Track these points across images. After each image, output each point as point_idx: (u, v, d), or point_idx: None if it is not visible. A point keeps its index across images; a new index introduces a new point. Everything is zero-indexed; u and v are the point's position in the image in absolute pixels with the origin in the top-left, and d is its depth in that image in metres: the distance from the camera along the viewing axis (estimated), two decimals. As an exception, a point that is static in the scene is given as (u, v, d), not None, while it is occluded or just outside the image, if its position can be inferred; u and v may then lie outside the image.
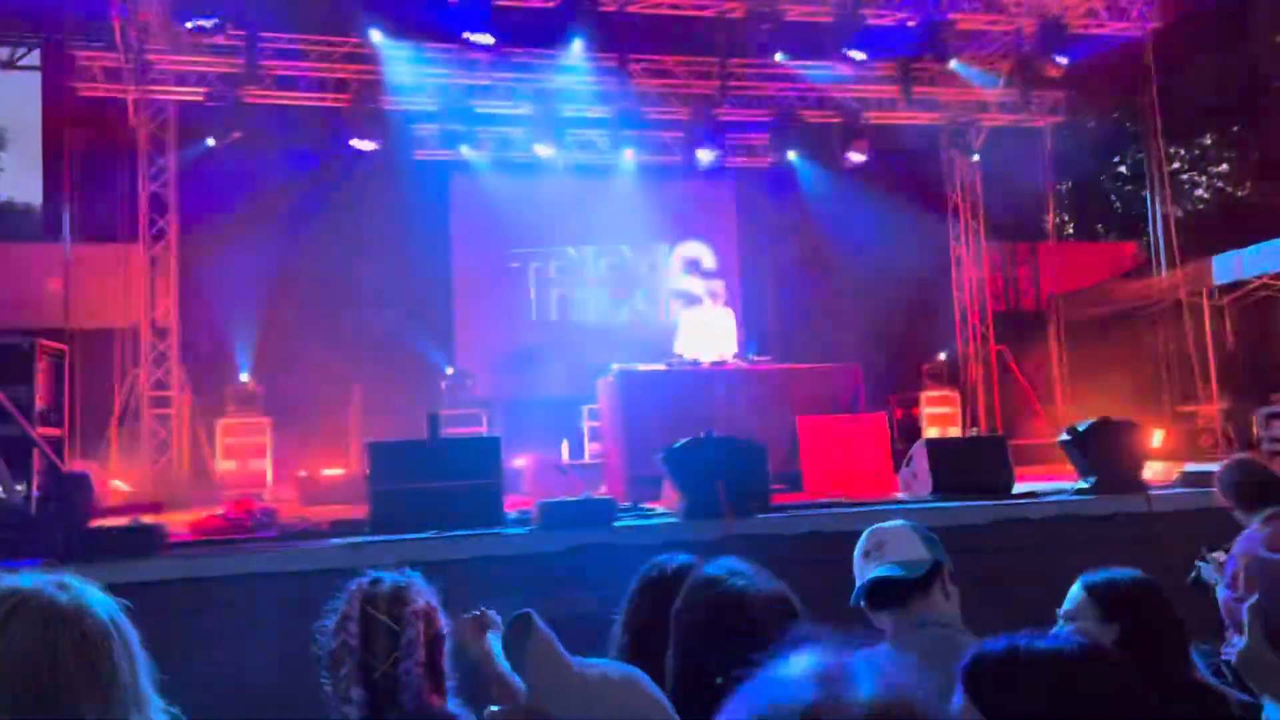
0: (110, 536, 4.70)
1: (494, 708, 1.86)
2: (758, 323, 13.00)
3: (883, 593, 2.17)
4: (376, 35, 10.69)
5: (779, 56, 11.78)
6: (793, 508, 5.98)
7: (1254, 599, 1.69)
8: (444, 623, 2.08)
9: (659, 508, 6.27)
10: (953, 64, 12.50)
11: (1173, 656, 2.12)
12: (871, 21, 11.52)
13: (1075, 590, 2.27)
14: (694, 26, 12.07)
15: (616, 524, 5.42)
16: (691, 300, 8.73)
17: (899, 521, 2.33)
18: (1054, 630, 2.17)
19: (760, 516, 5.48)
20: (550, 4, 11.06)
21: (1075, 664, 1.30)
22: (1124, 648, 2.02)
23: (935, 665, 2.08)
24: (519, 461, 9.82)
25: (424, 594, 2.08)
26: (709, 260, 14.08)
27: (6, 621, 1.39)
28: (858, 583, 2.24)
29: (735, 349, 8.88)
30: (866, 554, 2.25)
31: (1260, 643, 1.66)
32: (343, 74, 11.78)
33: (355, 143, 11.52)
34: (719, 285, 9.02)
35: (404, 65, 11.54)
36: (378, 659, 1.95)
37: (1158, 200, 13.92)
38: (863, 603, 2.22)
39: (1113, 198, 20.66)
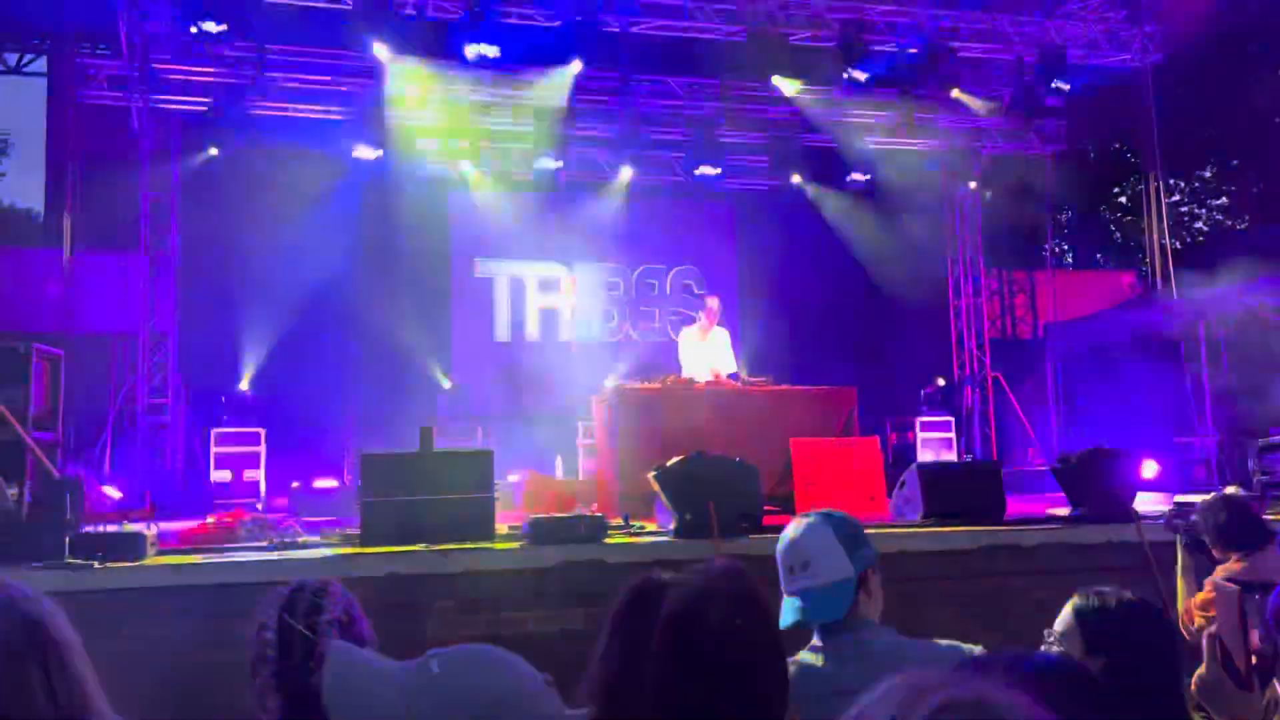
0: (100, 542, 4.69)
1: None
2: (754, 344, 13.02)
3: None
4: (380, 50, 10.75)
5: (776, 80, 11.84)
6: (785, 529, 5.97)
7: (1211, 628, 1.70)
8: (366, 632, 2.06)
9: (650, 526, 6.27)
10: (954, 92, 12.59)
11: (1163, 688, 2.06)
12: (873, 48, 11.60)
13: (1066, 612, 2.18)
14: (696, 48, 12.15)
15: (606, 541, 5.42)
16: (687, 320, 8.75)
17: (818, 525, 2.29)
18: (1040, 650, 2.16)
19: (751, 537, 5.47)
20: (553, 24, 11.14)
21: (1055, 682, 1.29)
22: (1111, 678, 2.00)
23: (865, 670, 2.09)
24: (513, 477, 9.81)
25: (342, 603, 2.06)
26: (706, 280, 14.12)
27: None
28: (785, 586, 2.24)
29: (733, 368, 8.89)
30: (791, 569, 2.24)
31: (1216, 670, 1.67)
32: (347, 87, 11.84)
33: (358, 151, 11.57)
34: (715, 304, 9.01)
35: (407, 81, 11.61)
36: (294, 668, 1.93)
37: (1156, 231, 13.99)
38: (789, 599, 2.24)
39: (1111, 228, 20.77)
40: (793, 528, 2.31)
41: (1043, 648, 2.17)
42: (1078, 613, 2.14)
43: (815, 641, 2.24)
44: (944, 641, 2.28)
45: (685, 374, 8.72)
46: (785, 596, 2.23)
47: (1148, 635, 2.10)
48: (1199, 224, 21.88)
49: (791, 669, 2.16)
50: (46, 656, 1.42)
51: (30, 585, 1.54)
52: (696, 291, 13.90)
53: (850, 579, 2.21)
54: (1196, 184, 21.73)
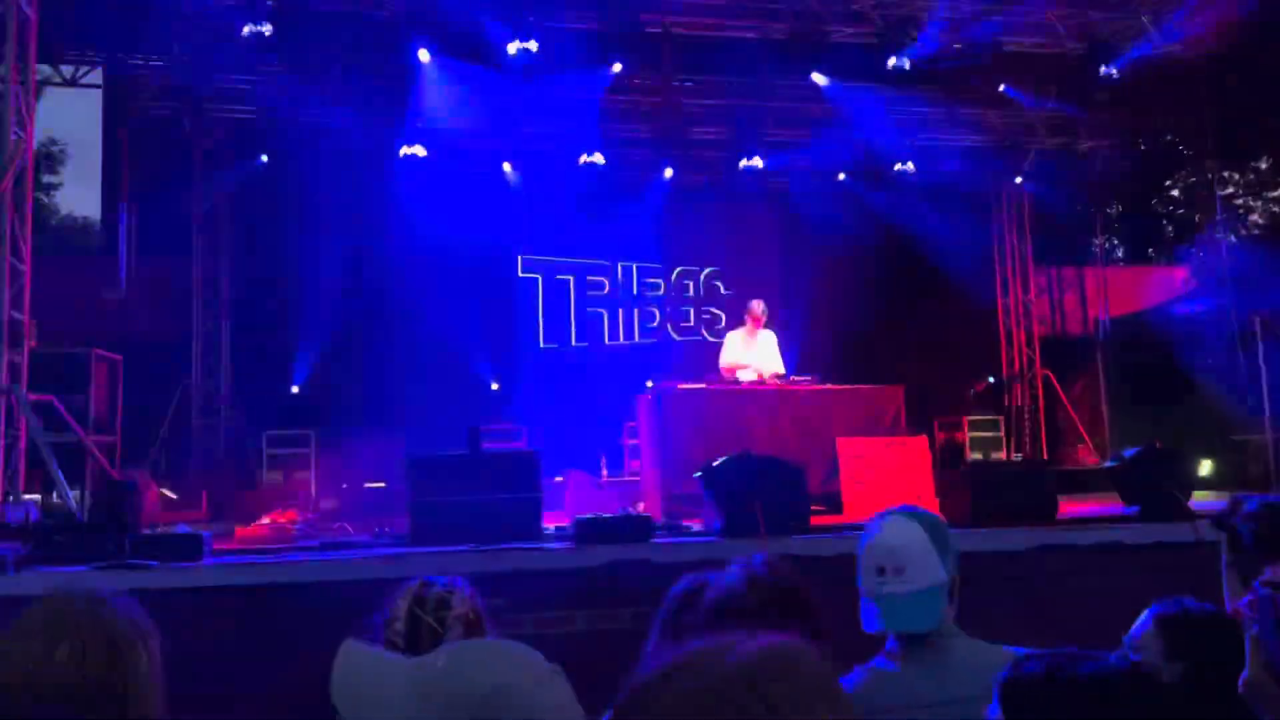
0: (158, 544, 4.80)
1: None
2: (799, 343, 12.95)
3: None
4: (424, 54, 10.87)
5: (819, 77, 11.76)
6: (831, 529, 5.95)
7: (1254, 630, 1.67)
8: (489, 631, 2.13)
9: (696, 526, 6.27)
10: (1000, 86, 12.42)
11: (1235, 694, 2.04)
12: (917, 44, 11.49)
13: (1144, 619, 2.16)
14: (737, 47, 12.11)
15: (653, 540, 5.43)
16: (729, 320, 8.76)
17: (911, 525, 2.20)
18: (1109, 655, 2.13)
19: (798, 537, 5.46)
20: (596, 25, 11.17)
21: (1118, 688, 1.28)
22: (1188, 686, 1.97)
23: (945, 681, 2.06)
24: (559, 477, 9.87)
25: (469, 601, 2.15)
26: (749, 279, 14.08)
27: (41, 631, 1.46)
28: (866, 592, 2.15)
29: (781, 369, 8.85)
30: (881, 571, 2.14)
31: (1260, 672, 1.64)
32: (392, 90, 11.95)
33: (404, 153, 11.72)
34: (760, 307, 8.97)
35: (450, 82, 11.71)
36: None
37: (1210, 225, 13.70)
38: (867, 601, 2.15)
39: (1164, 221, 20.36)
40: (884, 527, 2.21)
41: (1115, 655, 2.14)
42: (1159, 620, 2.11)
43: (891, 647, 2.15)
44: (1018, 648, 2.24)
45: (725, 368, 8.71)
46: (869, 599, 2.14)
47: (1224, 643, 2.07)
48: (1254, 216, 21.37)
49: (866, 677, 2.13)
50: (125, 680, 1.46)
51: (121, 596, 1.59)
52: (736, 291, 13.88)
53: (944, 584, 2.13)
54: (1252, 175, 21.22)
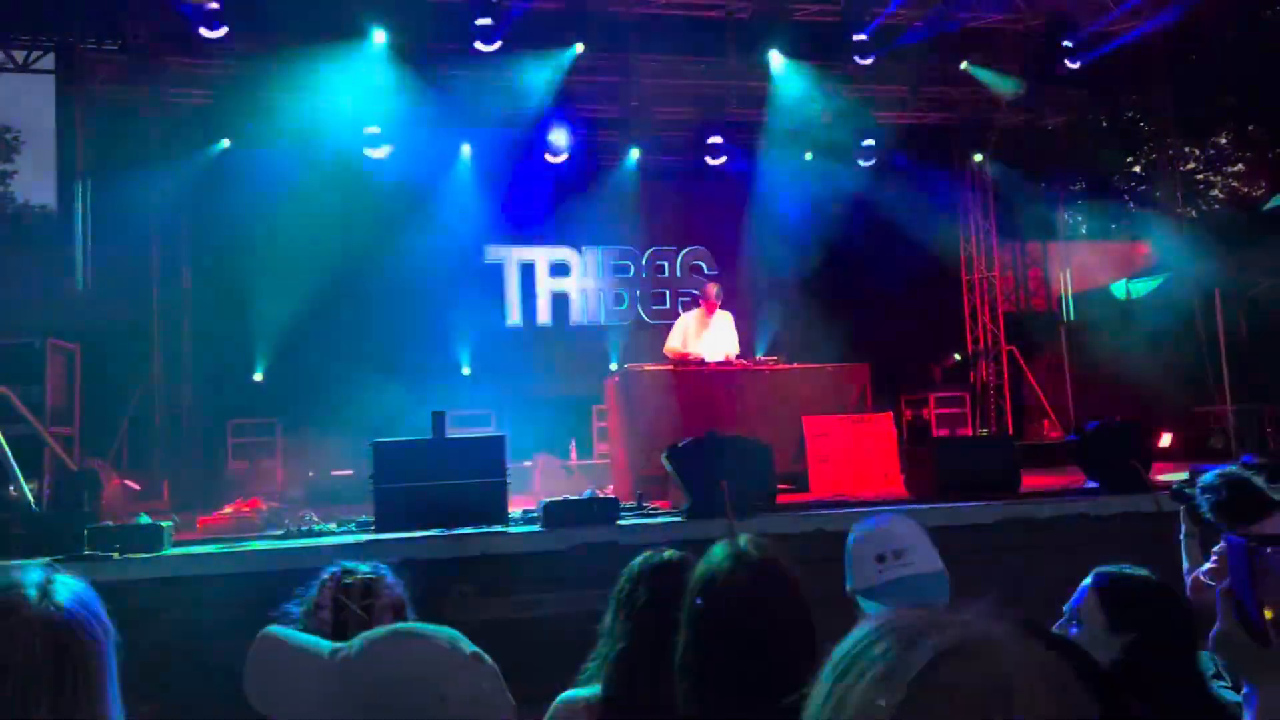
0: (114, 534, 4.73)
1: None
2: (766, 322, 12.98)
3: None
4: (380, 36, 10.74)
5: (775, 54, 11.71)
6: (797, 508, 5.97)
7: (1225, 583, 1.69)
8: (411, 617, 2.10)
9: (664, 507, 6.28)
10: (963, 64, 12.47)
11: (1182, 669, 2.01)
12: (881, 21, 11.49)
13: (1082, 589, 2.14)
14: (701, 26, 12.06)
15: (620, 523, 5.43)
16: (695, 301, 8.73)
17: (903, 517, 2.20)
18: (1055, 626, 2.13)
19: (764, 516, 5.48)
20: (557, 5, 11.08)
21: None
22: (1131, 658, 1.98)
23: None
24: (528, 461, 9.85)
25: (394, 587, 2.11)
26: (717, 260, 14.09)
27: None
28: (864, 586, 2.12)
29: (736, 350, 8.84)
30: (881, 558, 2.12)
31: (1232, 624, 1.66)
32: (352, 74, 11.80)
33: (366, 139, 11.60)
34: (714, 289, 8.93)
35: (412, 65, 11.57)
36: None
37: (1170, 200, 13.85)
38: (867, 601, 2.12)
39: (1125, 197, 20.56)
40: (875, 522, 2.20)
41: (1057, 626, 2.14)
42: (1099, 589, 2.10)
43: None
44: None
45: (671, 353, 8.64)
46: (870, 593, 2.11)
47: (1170, 614, 2.06)
48: (1215, 191, 21.64)
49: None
50: (61, 677, 1.43)
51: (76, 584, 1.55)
52: (708, 271, 13.87)
53: (943, 572, 2.13)
54: (1212, 151, 21.48)
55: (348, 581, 2.06)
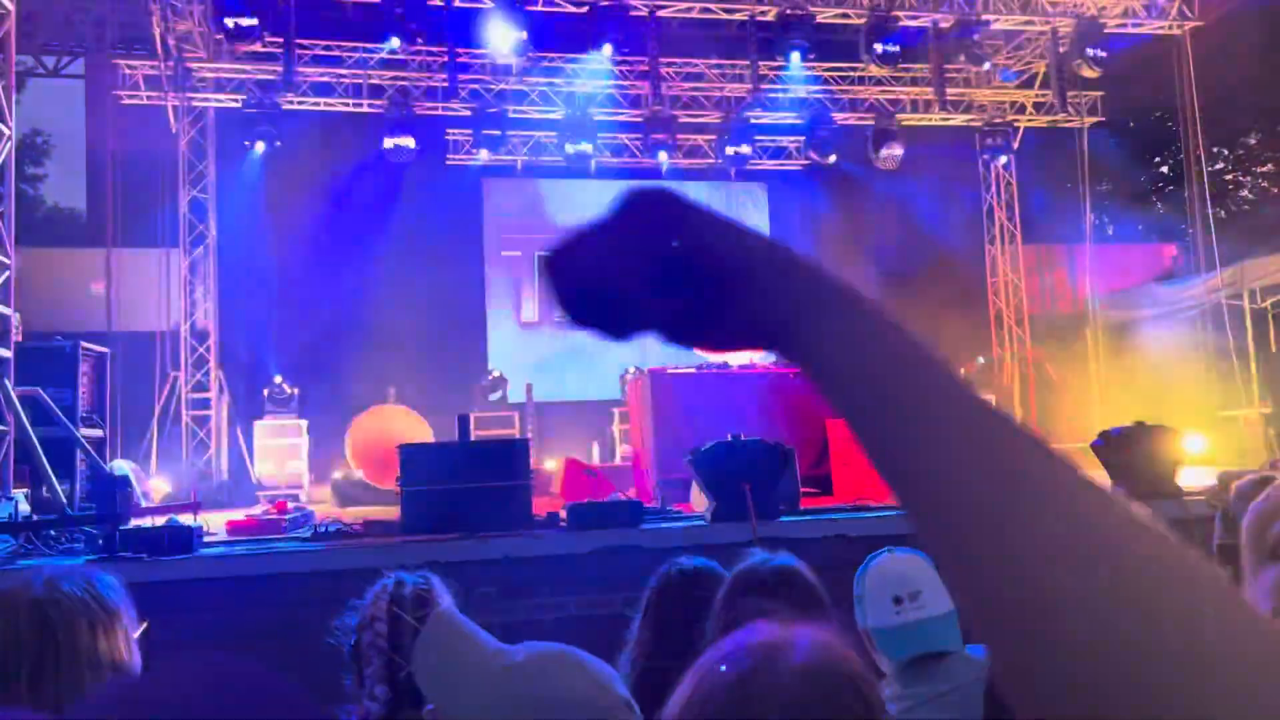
0: (146, 536, 4.79)
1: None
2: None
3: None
4: (395, 42, 10.83)
5: (796, 58, 11.68)
6: (821, 511, 5.97)
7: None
8: None
9: (687, 510, 6.29)
10: (987, 65, 12.41)
11: None
12: (904, 23, 11.46)
13: None
14: (725, 29, 12.07)
15: (643, 526, 5.45)
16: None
17: (915, 557, 2.20)
18: None
19: (787, 519, 5.47)
20: (580, 10, 11.12)
21: None
22: None
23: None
24: (549, 463, 9.88)
25: (445, 596, 2.14)
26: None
27: None
28: (881, 626, 2.13)
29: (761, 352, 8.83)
30: (898, 600, 2.13)
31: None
32: (377, 80, 11.93)
33: (392, 141, 11.66)
34: None
35: (437, 71, 11.65)
36: (404, 659, 2.01)
37: (1198, 201, 13.71)
38: (884, 641, 2.12)
39: (1152, 198, 20.37)
40: (889, 560, 2.21)
41: None
42: None
43: (896, 686, 2.11)
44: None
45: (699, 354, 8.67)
46: (886, 631, 2.13)
47: None
48: (1244, 192, 21.40)
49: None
50: (42, 652, 1.51)
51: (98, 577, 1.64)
52: None
53: (954, 611, 2.10)
54: (1240, 151, 21.23)
55: (401, 593, 2.09)
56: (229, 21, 9.83)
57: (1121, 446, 6.22)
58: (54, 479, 5.62)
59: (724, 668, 0.83)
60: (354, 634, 2.07)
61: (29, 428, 5.66)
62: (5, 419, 5.75)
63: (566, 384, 12.63)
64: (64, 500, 5.59)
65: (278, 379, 11.82)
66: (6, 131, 5.89)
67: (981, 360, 13.63)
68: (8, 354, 5.96)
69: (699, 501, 5.98)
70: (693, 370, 8.43)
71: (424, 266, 12.42)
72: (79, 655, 1.54)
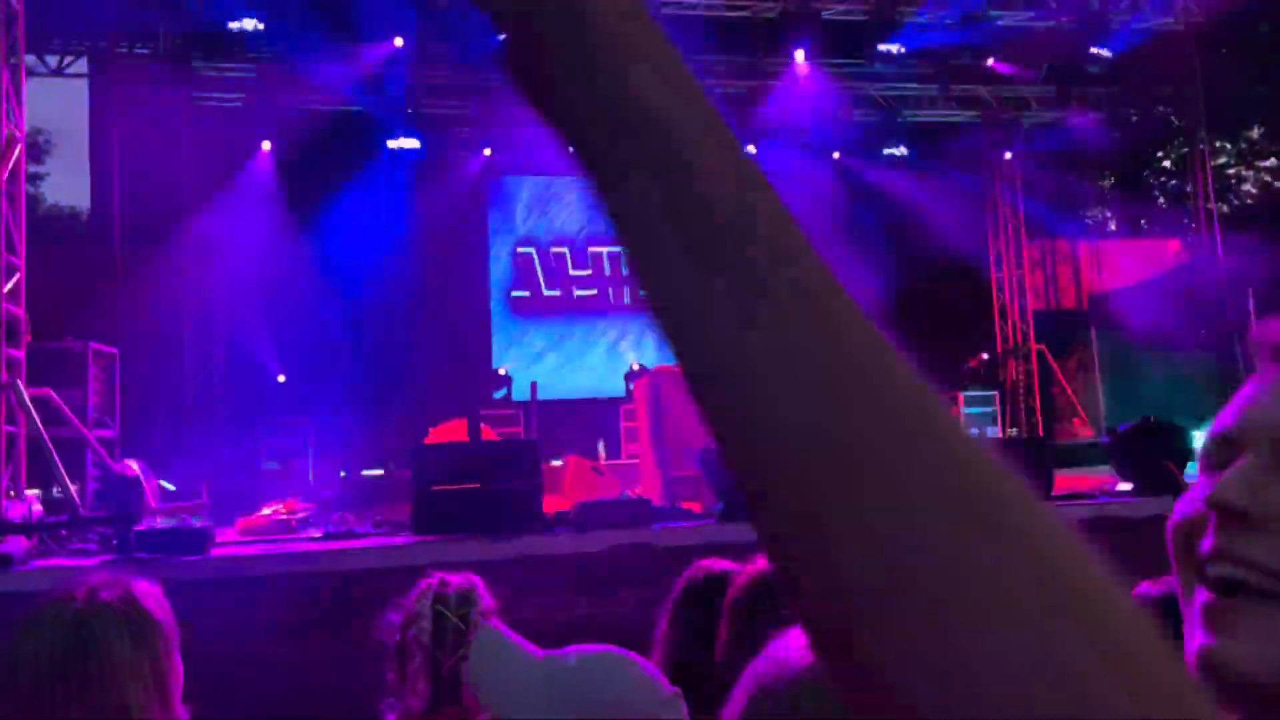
0: (159, 536, 4.82)
1: None
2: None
3: None
4: (399, 41, 10.85)
5: (800, 56, 11.70)
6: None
7: None
8: (502, 626, 2.17)
9: (696, 509, 6.31)
10: (989, 61, 12.41)
11: None
12: (909, 19, 11.46)
13: None
14: (728, 26, 12.07)
15: (653, 526, 5.47)
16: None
17: None
18: None
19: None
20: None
21: None
22: None
23: None
24: (557, 461, 9.89)
25: (487, 596, 2.19)
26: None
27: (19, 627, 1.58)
28: None
29: None
30: None
31: None
32: (380, 77, 11.92)
33: (395, 143, 11.70)
34: None
35: (437, 67, 11.67)
36: (446, 656, 2.06)
37: (1202, 196, 13.71)
38: None
39: (1156, 193, 20.37)
40: None
41: None
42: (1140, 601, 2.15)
43: None
44: None
45: None
46: None
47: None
48: (1247, 186, 21.39)
49: None
50: (86, 676, 1.53)
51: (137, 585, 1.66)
52: None
53: None
54: (1244, 145, 21.22)
55: (445, 591, 2.14)
56: (234, 25, 9.85)
57: (1130, 442, 6.24)
58: (66, 479, 5.65)
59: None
60: (398, 631, 2.12)
61: (41, 428, 5.69)
62: (17, 419, 5.77)
63: (572, 382, 12.66)
64: (76, 500, 5.62)
65: (290, 377, 11.85)
66: (18, 134, 5.91)
67: (985, 356, 13.63)
68: (20, 355, 5.99)
69: (707, 500, 6.00)
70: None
71: (429, 264, 12.45)
72: (120, 667, 1.56)
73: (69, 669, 1.52)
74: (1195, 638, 0.64)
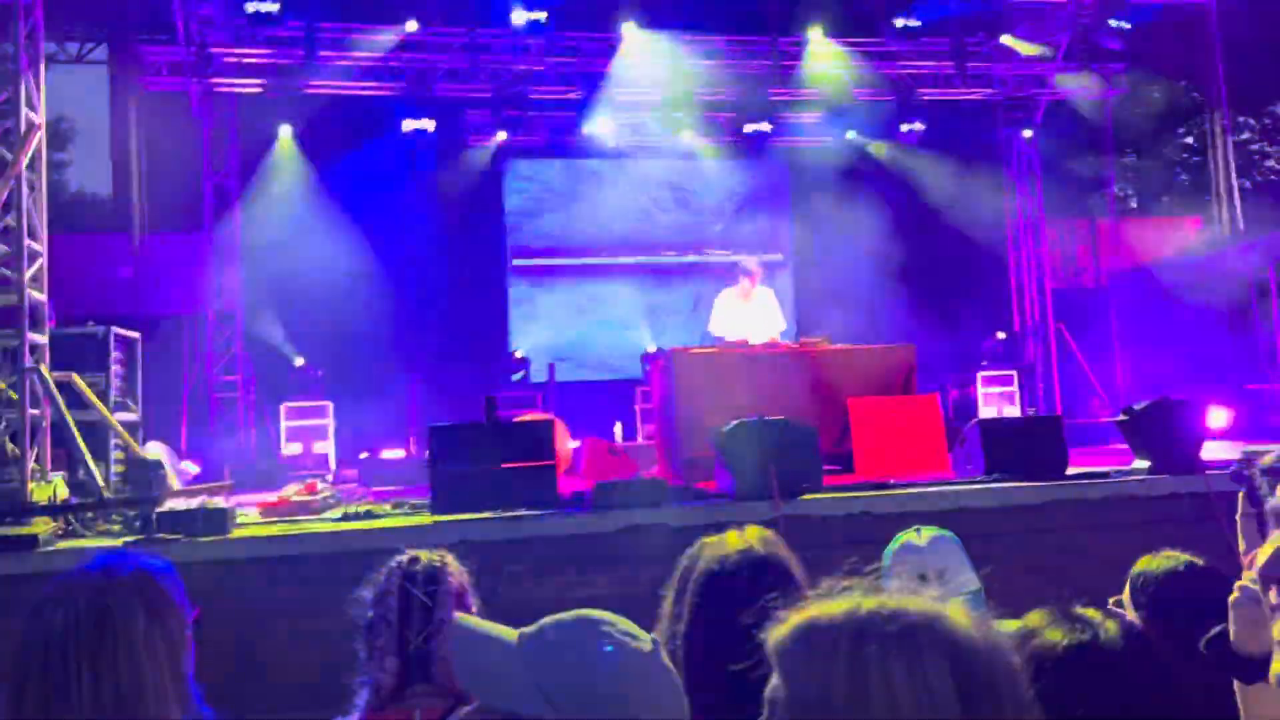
0: (182, 518, 4.89)
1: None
2: (810, 302, 12.97)
3: None
4: (413, 25, 10.86)
5: (814, 32, 11.62)
6: (844, 489, 6.01)
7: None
8: (473, 603, 2.20)
9: (710, 489, 6.34)
10: (1004, 37, 12.30)
11: (1203, 650, 1.99)
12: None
13: (1131, 574, 2.24)
14: (743, 5, 12.01)
15: (668, 505, 5.51)
16: (737, 279, 8.71)
17: (941, 537, 2.25)
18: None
19: (811, 498, 5.52)
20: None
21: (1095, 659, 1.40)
22: (1159, 640, 2.01)
23: None
24: (574, 443, 9.95)
25: (457, 575, 2.21)
26: (761, 238, 14.07)
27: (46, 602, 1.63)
28: None
29: (783, 326, 8.84)
30: (923, 578, 2.17)
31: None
32: (396, 62, 11.96)
33: (410, 123, 11.73)
34: (753, 264, 8.91)
35: (457, 51, 11.68)
36: (413, 633, 2.09)
37: (1224, 172, 13.57)
38: None
39: (1177, 170, 20.15)
40: (915, 538, 2.25)
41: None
42: (1131, 577, 2.18)
43: None
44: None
45: (715, 332, 8.69)
46: None
47: (1193, 598, 2.09)
48: (1270, 162, 21.11)
49: None
50: (104, 650, 1.57)
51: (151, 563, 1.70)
52: (761, 242, 13.93)
53: (981, 591, 2.19)
54: (1267, 121, 20.94)
55: (413, 569, 2.17)
56: (250, 7, 9.90)
57: (1146, 421, 6.22)
58: (90, 462, 5.74)
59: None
60: (369, 608, 2.15)
61: (65, 412, 5.78)
62: (41, 404, 5.87)
63: (589, 364, 12.71)
64: (100, 483, 5.70)
65: (299, 361, 11.93)
66: (38, 120, 5.97)
67: (1002, 335, 13.57)
68: (43, 340, 6.07)
69: (722, 480, 6.02)
70: (713, 350, 8.45)
71: (445, 247, 12.51)
72: (137, 643, 1.60)
73: (88, 642, 1.57)
74: None
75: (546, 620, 1.32)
